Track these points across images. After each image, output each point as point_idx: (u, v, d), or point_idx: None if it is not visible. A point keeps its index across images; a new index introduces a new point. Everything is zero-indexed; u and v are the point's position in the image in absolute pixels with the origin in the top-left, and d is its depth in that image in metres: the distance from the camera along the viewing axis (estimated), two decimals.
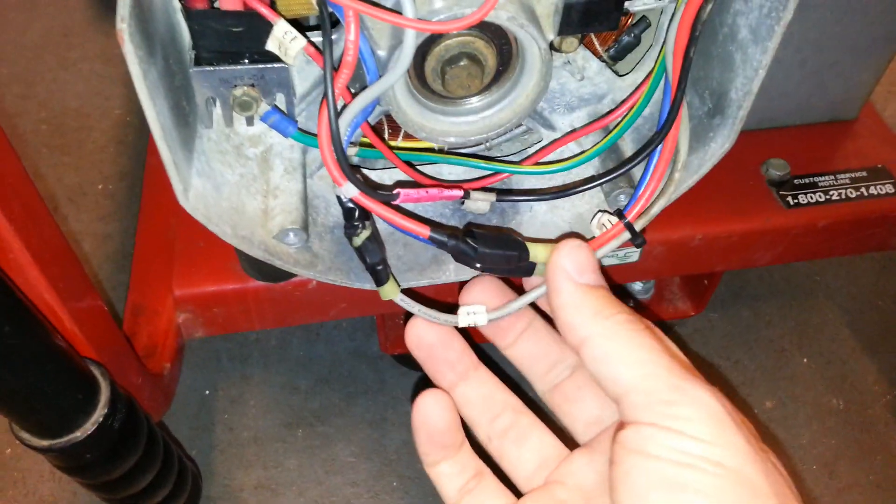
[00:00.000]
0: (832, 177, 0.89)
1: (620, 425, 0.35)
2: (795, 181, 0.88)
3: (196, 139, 0.52)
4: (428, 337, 0.44)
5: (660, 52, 0.50)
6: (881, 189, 0.88)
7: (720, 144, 0.54)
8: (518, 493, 0.43)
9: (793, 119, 0.94)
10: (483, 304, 0.45)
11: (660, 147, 0.49)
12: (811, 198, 0.86)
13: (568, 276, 0.38)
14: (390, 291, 0.46)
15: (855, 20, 0.82)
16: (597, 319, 0.36)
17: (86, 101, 1.31)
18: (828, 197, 0.87)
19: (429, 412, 0.42)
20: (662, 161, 0.51)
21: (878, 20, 0.83)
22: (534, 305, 0.47)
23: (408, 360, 0.99)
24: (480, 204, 0.54)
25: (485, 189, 0.55)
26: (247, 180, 0.56)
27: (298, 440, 0.93)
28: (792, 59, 0.86)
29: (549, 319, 0.46)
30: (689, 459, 0.31)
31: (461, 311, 0.44)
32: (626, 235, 0.53)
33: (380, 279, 0.45)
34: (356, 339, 1.03)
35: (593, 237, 0.55)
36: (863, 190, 0.88)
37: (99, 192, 1.18)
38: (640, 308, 1.04)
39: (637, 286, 1.00)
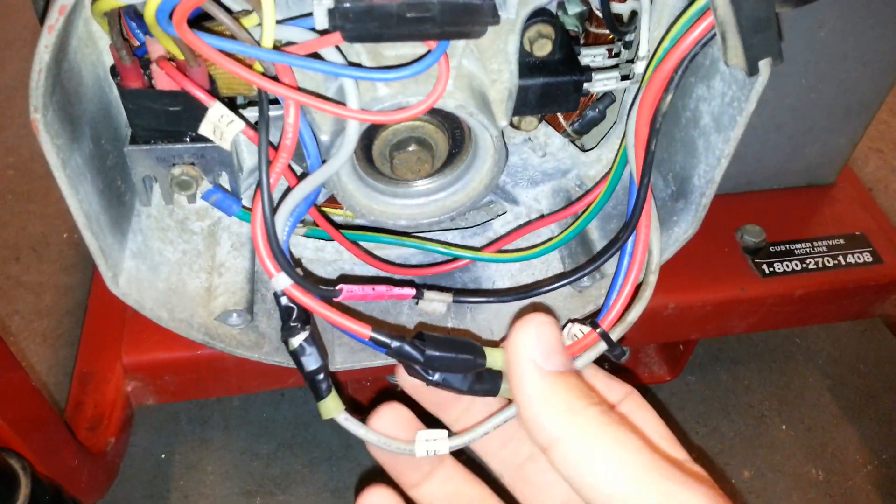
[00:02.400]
0: (809, 244, 0.87)
1: None
2: (771, 248, 0.86)
3: (133, 218, 0.49)
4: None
5: (621, 143, 0.48)
6: (859, 258, 0.86)
7: (684, 230, 0.52)
8: None
9: (769, 183, 0.92)
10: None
11: (631, 246, 0.45)
12: (787, 266, 0.84)
13: (532, 363, 0.33)
14: (332, 408, 0.39)
15: (831, 88, 0.81)
16: (568, 416, 0.31)
17: None
18: (804, 265, 0.85)
19: None
20: (634, 264, 0.47)
21: (854, 89, 0.82)
22: None
23: None
24: (436, 305, 0.49)
25: (440, 288, 0.51)
26: (190, 257, 0.53)
27: None
28: (768, 125, 0.84)
29: None
30: None
31: (419, 437, 0.38)
32: (603, 346, 0.48)
33: (319, 392, 0.39)
34: None
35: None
36: (840, 258, 0.86)
37: (64, 241, 1.15)
38: (617, 370, 1.01)
39: None
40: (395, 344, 0.39)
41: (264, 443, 0.95)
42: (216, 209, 0.55)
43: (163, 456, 0.94)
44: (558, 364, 0.33)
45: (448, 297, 0.48)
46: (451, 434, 0.39)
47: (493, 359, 0.41)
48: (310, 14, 0.40)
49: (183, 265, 0.52)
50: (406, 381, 0.40)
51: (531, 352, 0.33)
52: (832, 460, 1.01)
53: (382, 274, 0.58)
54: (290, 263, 0.41)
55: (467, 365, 0.40)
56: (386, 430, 0.38)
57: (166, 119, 0.44)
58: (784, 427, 1.05)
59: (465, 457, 0.41)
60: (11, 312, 1.06)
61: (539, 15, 0.46)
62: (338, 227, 0.52)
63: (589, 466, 0.30)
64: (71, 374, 0.99)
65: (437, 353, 0.40)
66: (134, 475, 0.90)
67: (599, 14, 0.52)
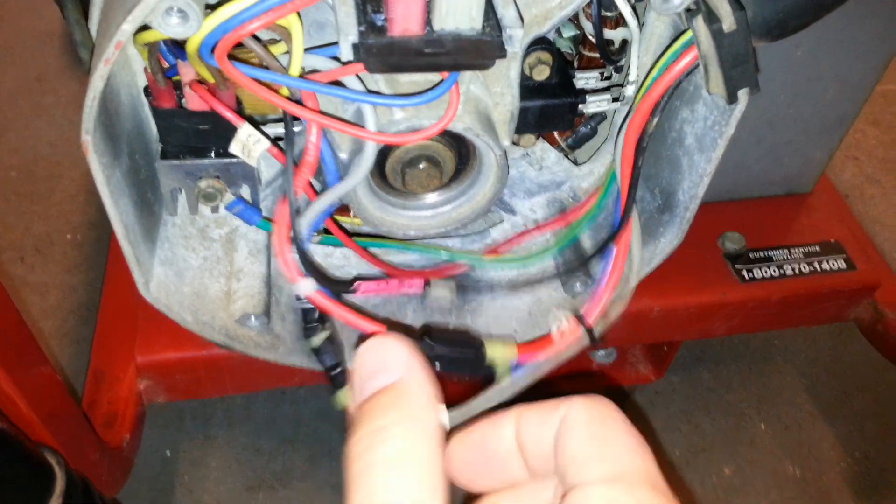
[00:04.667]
0: (786, 251, 0.91)
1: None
2: (751, 255, 0.90)
3: (160, 227, 0.53)
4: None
5: (612, 160, 0.52)
6: (833, 264, 0.91)
7: (669, 241, 0.56)
8: None
9: (749, 192, 0.97)
10: None
11: (613, 251, 0.51)
12: (766, 272, 0.89)
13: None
14: (346, 398, 0.45)
15: (808, 104, 0.86)
16: None
17: (57, 149, 1.31)
18: (782, 272, 0.89)
19: None
20: (616, 268, 0.52)
21: (830, 104, 0.87)
22: None
23: None
24: (441, 294, 0.55)
25: (445, 280, 0.57)
26: (210, 263, 0.57)
27: None
28: (748, 138, 0.89)
29: None
30: None
31: None
32: (585, 338, 0.53)
33: (336, 384, 0.46)
34: (322, 399, 1.03)
35: (549, 334, 0.57)
36: (816, 265, 0.90)
37: (67, 241, 1.18)
38: (605, 371, 1.06)
39: (600, 352, 1.02)
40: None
41: (266, 439, 0.99)
42: (232, 218, 0.59)
43: (168, 453, 0.97)
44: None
45: (451, 284, 0.54)
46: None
47: (492, 351, 0.47)
48: (330, 44, 0.44)
49: (204, 271, 0.55)
50: None
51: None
52: (808, 457, 1.06)
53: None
54: (313, 269, 0.45)
55: (471, 362, 0.46)
56: None
57: (195, 136, 0.48)
58: (763, 425, 1.09)
59: None
60: None
61: (538, 42, 0.51)
62: (349, 234, 0.56)
63: None
64: (77, 373, 1.02)
65: (446, 352, 0.45)
66: (140, 471, 0.93)
67: (593, 40, 0.56)
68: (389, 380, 0.27)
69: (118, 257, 0.89)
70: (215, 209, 0.53)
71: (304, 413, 1.02)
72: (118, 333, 0.79)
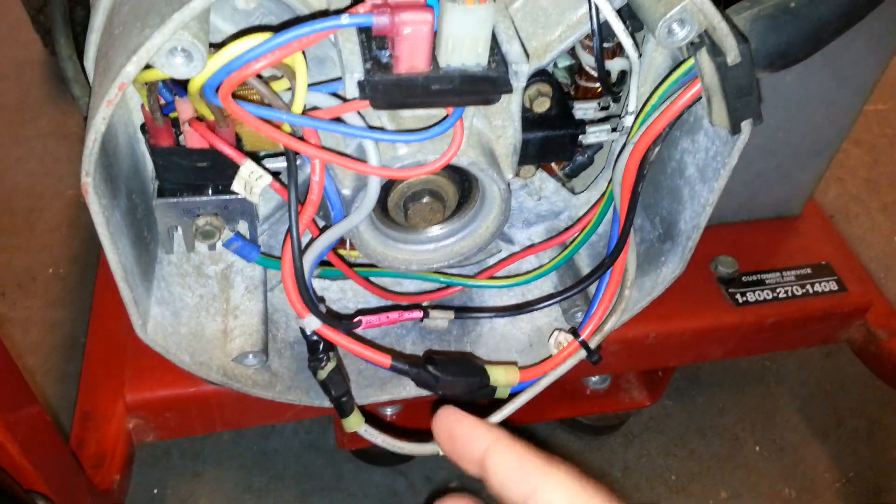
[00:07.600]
0: (778, 274, 0.92)
1: None
2: (744, 278, 0.90)
3: (156, 265, 0.52)
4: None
5: (608, 185, 0.52)
6: (825, 286, 0.91)
7: (671, 270, 0.56)
8: None
9: (739, 216, 0.97)
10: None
11: (608, 274, 0.51)
12: (759, 295, 0.89)
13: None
14: (354, 423, 0.47)
15: (796, 128, 0.87)
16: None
17: (38, 180, 1.29)
18: (775, 294, 0.89)
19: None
20: (612, 283, 0.53)
21: (818, 128, 0.88)
22: None
23: (367, 455, 0.98)
24: (439, 322, 0.55)
25: (443, 307, 0.56)
26: (206, 301, 0.56)
27: None
28: (738, 163, 0.89)
29: None
30: None
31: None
32: (583, 353, 0.55)
33: (344, 411, 0.47)
34: (312, 432, 1.01)
35: (550, 356, 0.57)
36: (808, 287, 0.91)
37: (49, 276, 1.16)
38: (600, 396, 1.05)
39: (593, 378, 1.01)
40: (413, 371, 0.47)
41: (256, 475, 0.97)
42: (228, 253, 0.58)
43: (155, 491, 0.94)
44: None
45: (450, 314, 0.54)
46: None
47: (495, 375, 0.48)
48: (332, 80, 0.44)
49: (201, 309, 0.54)
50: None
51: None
52: (803, 479, 1.06)
53: (387, 303, 0.61)
54: (316, 306, 0.45)
55: (474, 386, 0.47)
56: None
57: (193, 174, 0.47)
58: (757, 448, 1.09)
59: None
60: None
61: (537, 74, 0.50)
62: (350, 265, 0.55)
63: None
64: (61, 411, 0.99)
65: (450, 378, 0.47)
66: None
67: (590, 70, 0.56)
68: None
69: (104, 292, 0.87)
70: (213, 246, 0.52)
71: (293, 447, 1.00)
72: (106, 371, 0.77)
